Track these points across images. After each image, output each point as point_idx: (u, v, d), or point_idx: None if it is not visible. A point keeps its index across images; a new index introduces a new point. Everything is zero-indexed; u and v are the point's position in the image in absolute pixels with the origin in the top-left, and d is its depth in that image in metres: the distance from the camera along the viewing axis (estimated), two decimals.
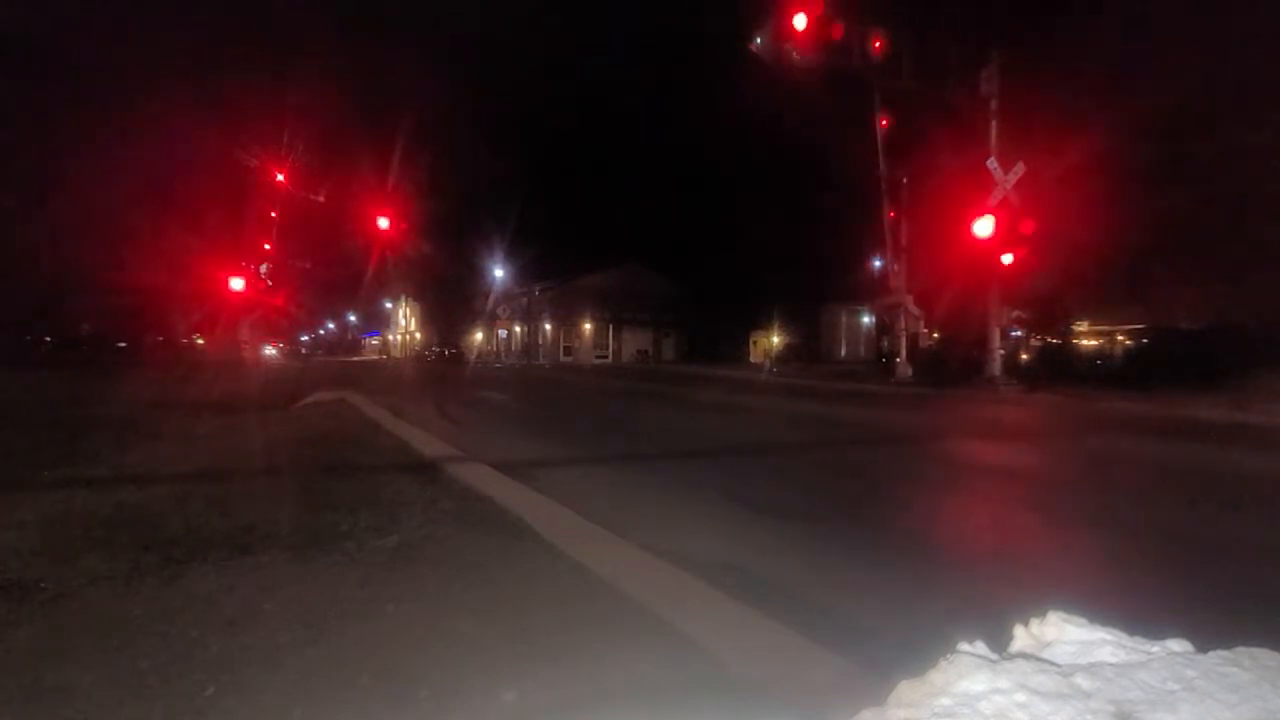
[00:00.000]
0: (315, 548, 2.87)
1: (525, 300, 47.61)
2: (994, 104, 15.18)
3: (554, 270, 43.05)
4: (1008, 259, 13.76)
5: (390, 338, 71.01)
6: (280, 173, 19.45)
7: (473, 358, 47.76)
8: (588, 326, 44.15)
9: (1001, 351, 15.65)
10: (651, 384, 17.79)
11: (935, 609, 2.56)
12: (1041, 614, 1.45)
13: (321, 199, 20.69)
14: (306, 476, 4.39)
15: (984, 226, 13.60)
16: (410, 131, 21.84)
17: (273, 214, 21.23)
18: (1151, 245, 14.20)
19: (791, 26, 13.19)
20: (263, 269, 19.88)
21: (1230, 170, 13.82)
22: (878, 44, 13.93)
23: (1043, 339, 20.98)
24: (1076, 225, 13.91)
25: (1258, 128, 13.58)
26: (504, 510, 3.54)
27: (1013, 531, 3.86)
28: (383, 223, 19.52)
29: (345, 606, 2.26)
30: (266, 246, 21.23)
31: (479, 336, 53.54)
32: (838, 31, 13.55)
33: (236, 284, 18.62)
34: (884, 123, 16.34)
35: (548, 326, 47.10)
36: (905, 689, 1.24)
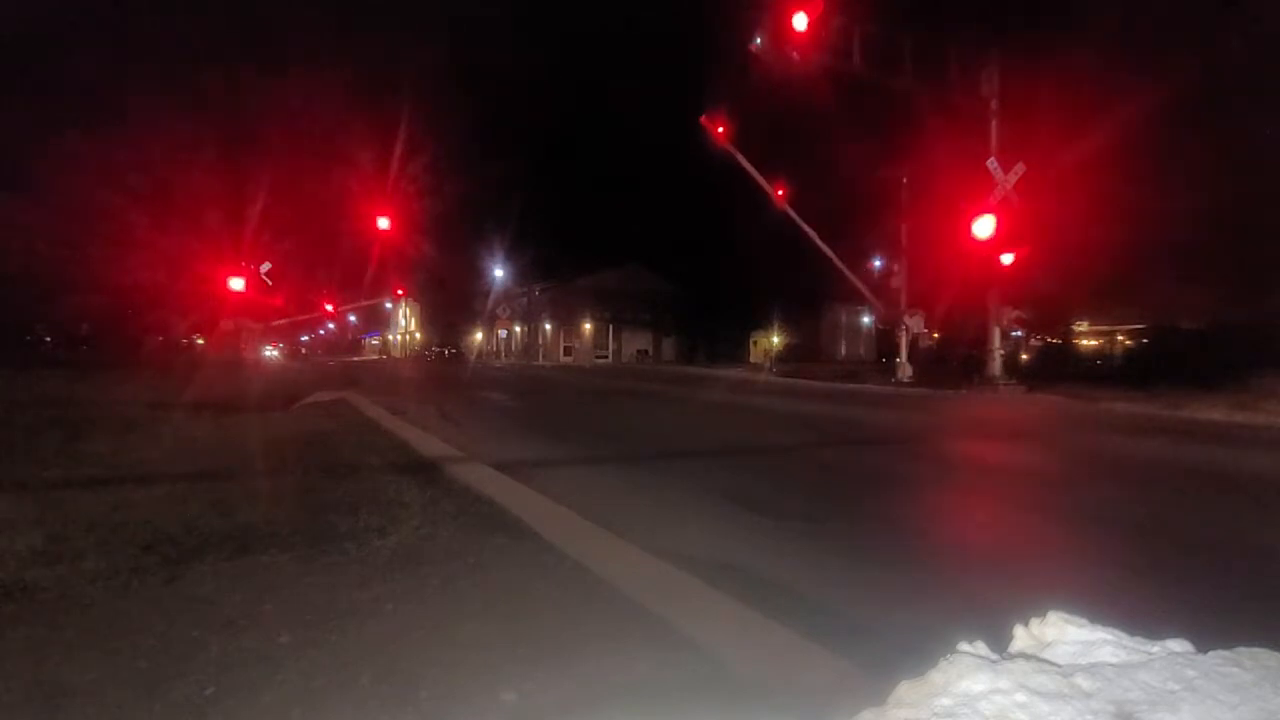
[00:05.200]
0: (315, 548, 2.87)
1: (525, 300, 47.64)
2: (994, 104, 15.19)
3: (554, 270, 43.07)
4: (1008, 259, 13.77)
5: (390, 338, 71.04)
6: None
7: (473, 358, 47.77)
8: (588, 326, 44.16)
9: (1002, 351, 15.66)
10: (652, 384, 17.79)
11: (935, 609, 2.56)
12: (1042, 614, 1.46)
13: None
14: (306, 477, 4.39)
15: (984, 226, 13.60)
16: (409, 131, 21.88)
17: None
18: (1152, 245, 14.20)
19: (791, 27, 13.20)
20: (264, 268, 19.87)
21: (1231, 170, 13.81)
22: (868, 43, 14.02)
23: (1043, 339, 20.99)
24: (1077, 225, 13.91)
25: (1259, 128, 13.58)
26: (504, 510, 3.54)
27: (1013, 531, 3.86)
28: (383, 223, 19.55)
29: (345, 607, 2.26)
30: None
31: (479, 337, 53.56)
32: (837, 32, 13.58)
33: (236, 284, 18.62)
34: (721, 130, 16.91)
35: (548, 326, 47.13)
36: (905, 689, 1.24)
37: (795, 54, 13.47)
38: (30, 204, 18.50)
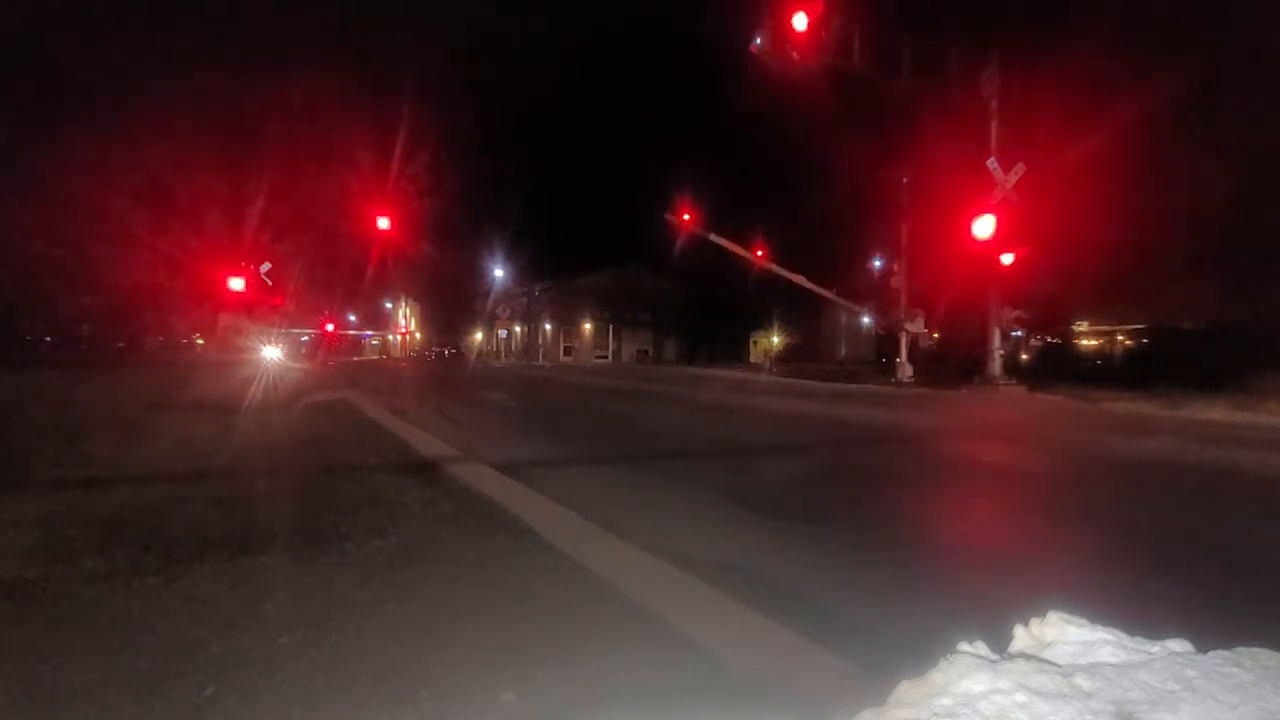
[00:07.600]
0: (315, 548, 2.87)
1: (525, 300, 47.65)
2: (994, 104, 15.18)
3: (554, 270, 43.13)
4: (1008, 259, 13.75)
5: (390, 338, 71.00)
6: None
7: (473, 358, 47.77)
8: (588, 326, 44.18)
9: (1001, 352, 15.64)
10: (652, 384, 17.78)
11: (935, 609, 2.56)
12: (1042, 614, 1.45)
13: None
14: (306, 477, 4.39)
15: (983, 226, 13.56)
16: (410, 130, 21.81)
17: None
18: (1153, 245, 14.21)
19: (791, 27, 13.19)
20: (264, 268, 19.83)
21: (1232, 171, 13.82)
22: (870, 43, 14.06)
23: (1043, 339, 21.00)
24: (1078, 225, 13.92)
25: (1259, 128, 13.58)
26: (504, 511, 3.54)
27: (1012, 531, 3.86)
28: (383, 223, 19.49)
29: (345, 607, 2.26)
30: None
31: (479, 337, 53.57)
32: (837, 32, 13.57)
33: (236, 284, 18.57)
34: (687, 218, 17.51)
35: (548, 326, 47.12)
36: (905, 689, 1.24)
37: (795, 54, 13.46)
38: (29, 204, 18.47)
